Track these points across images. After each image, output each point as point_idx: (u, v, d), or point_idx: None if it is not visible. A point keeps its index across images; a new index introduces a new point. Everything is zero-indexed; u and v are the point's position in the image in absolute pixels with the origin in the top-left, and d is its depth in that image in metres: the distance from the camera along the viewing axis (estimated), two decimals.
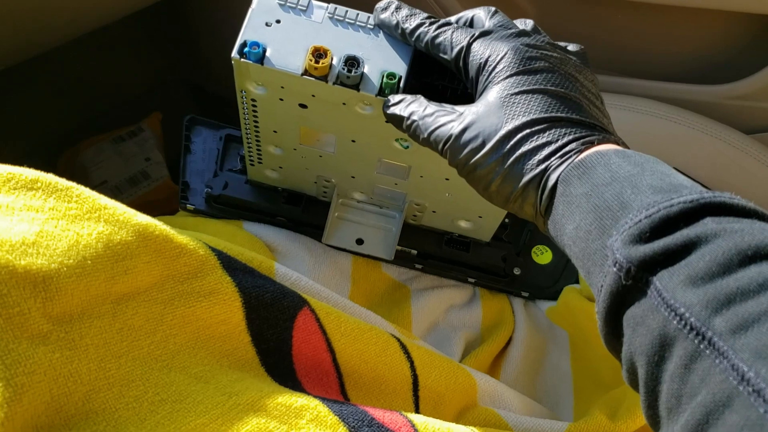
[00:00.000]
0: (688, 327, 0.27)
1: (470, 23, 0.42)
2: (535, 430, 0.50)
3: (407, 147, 0.48)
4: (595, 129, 0.37)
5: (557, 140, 0.36)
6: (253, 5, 0.44)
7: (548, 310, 0.63)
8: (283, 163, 0.55)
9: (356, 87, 0.43)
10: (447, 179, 0.51)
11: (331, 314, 0.45)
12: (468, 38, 0.39)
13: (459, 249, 0.60)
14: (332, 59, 0.42)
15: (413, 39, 0.42)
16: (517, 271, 0.61)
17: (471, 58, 0.39)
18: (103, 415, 0.33)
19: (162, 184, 0.98)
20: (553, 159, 0.35)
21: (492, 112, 0.37)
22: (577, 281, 0.63)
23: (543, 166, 0.36)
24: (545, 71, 0.38)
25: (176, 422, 0.35)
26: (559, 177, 0.35)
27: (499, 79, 0.38)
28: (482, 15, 0.42)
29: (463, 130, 0.37)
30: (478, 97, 0.39)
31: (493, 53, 0.38)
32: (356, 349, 0.45)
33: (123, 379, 0.35)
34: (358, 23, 0.44)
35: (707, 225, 0.29)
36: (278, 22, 0.44)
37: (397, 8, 0.43)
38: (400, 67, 0.43)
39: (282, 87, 0.44)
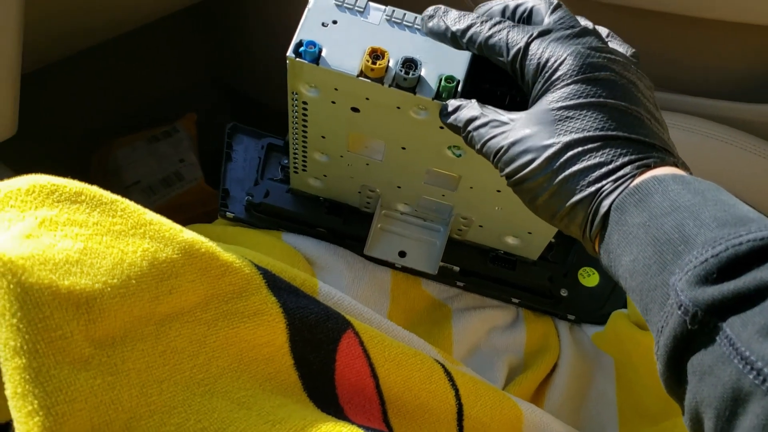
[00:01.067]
0: (767, 384, 0.25)
1: (528, 15, 0.39)
2: None
3: (460, 155, 0.47)
4: (653, 148, 0.34)
5: (611, 161, 0.33)
6: (310, 5, 0.43)
7: (594, 336, 0.60)
8: (328, 171, 0.54)
9: (413, 90, 0.41)
10: (498, 191, 0.49)
11: (375, 338, 0.44)
12: (526, 38, 0.37)
13: (504, 267, 0.58)
14: (389, 61, 0.41)
15: (465, 41, 0.39)
16: (564, 293, 0.59)
17: (528, 60, 0.36)
18: None
19: (196, 186, 0.97)
20: (605, 182, 0.33)
21: (544, 124, 0.35)
22: (625, 305, 0.60)
23: (594, 188, 0.33)
24: (607, 81, 0.35)
25: None
26: (612, 203, 0.33)
27: (556, 87, 0.35)
28: (542, 8, 0.39)
29: (513, 143, 0.35)
30: (532, 103, 0.37)
31: (552, 56, 0.36)
32: (400, 375, 0.44)
33: (165, 406, 0.33)
34: (416, 26, 0.43)
35: None
36: (335, 22, 0.43)
37: (445, 12, 0.40)
38: (458, 71, 0.42)
39: (336, 89, 0.43)
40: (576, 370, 0.58)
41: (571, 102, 0.35)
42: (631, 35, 0.76)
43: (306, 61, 0.42)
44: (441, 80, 0.41)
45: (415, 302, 0.60)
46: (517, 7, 0.40)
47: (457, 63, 0.42)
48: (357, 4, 0.43)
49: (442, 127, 0.44)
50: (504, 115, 0.37)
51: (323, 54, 0.42)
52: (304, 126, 0.49)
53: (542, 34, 0.37)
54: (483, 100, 0.39)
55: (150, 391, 0.33)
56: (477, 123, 0.38)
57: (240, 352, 0.38)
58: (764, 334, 0.25)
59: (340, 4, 0.43)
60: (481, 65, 0.42)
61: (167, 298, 0.35)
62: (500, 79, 0.42)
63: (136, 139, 0.99)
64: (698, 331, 0.27)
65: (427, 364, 0.45)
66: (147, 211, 0.37)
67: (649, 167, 0.33)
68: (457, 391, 0.46)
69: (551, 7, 0.38)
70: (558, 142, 0.34)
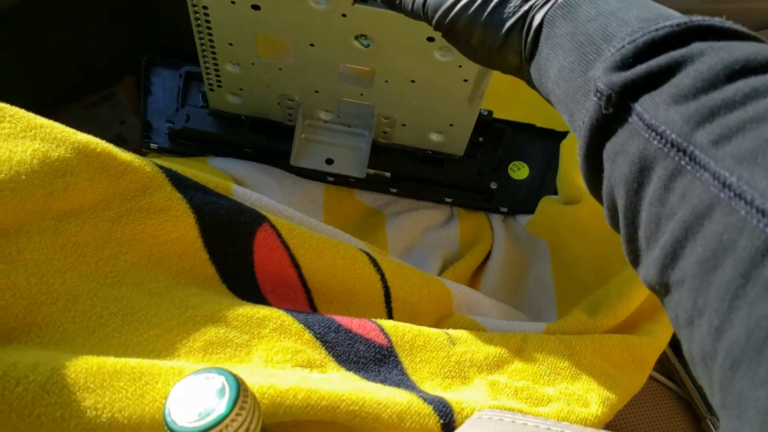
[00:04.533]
0: (669, 144, 0.25)
1: None
2: (513, 331, 0.48)
3: (368, 46, 0.46)
4: None
5: None
6: None
7: (527, 223, 0.61)
8: (243, 84, 0.53)
9: None
10: (413, 81, 0.50)
11: (293, 230, 0.44)
12: None
13: (433, 165, 0.59)
14: None
15: None
16: (493, 185, 0.60)
17: None
18: (47, 329, 0.33)
19: (139, 146, 0.96)
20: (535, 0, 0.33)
21: None
22: (555, 193, 0.62)
23: (526, 7, 0.33)
24: None
25: (127, 334, 0.35)
26: (543, 18, 0.33)
27: None
28: None
29: None
30: None
31: None
32: (323, 263, 0.44)
33: (68, 294, 0.34)
34: None
35: (694, 46, 0.27)
36: None
37: None
38: None
39: None
40: (510, 256, 0.60)
41: None
42: None
43: None
44: None
45: (349, 212, 0.60)
46: None
47: None
48: None
49: (344, 15, 0.44)
50: None
51: None
52: (210, 34, 0.48)
53: None
54: None
55: (51, 280, 0.33)
56: None
57: (149, 248, 0.38)
58: (670, 103, 0.26)
59: None
60: None
61: (63, 194, 0.35)
62: None
63: (73, 107, 0.97)
64: (613, 115, 0.28)
65: (351, 252, 0.46)
66: (38, 116, 0.37)
67: None
68: (383, 275, 0.46)
69: None
70: None
